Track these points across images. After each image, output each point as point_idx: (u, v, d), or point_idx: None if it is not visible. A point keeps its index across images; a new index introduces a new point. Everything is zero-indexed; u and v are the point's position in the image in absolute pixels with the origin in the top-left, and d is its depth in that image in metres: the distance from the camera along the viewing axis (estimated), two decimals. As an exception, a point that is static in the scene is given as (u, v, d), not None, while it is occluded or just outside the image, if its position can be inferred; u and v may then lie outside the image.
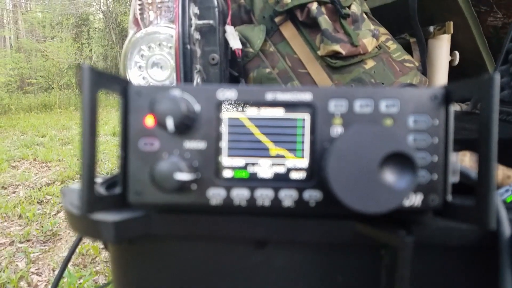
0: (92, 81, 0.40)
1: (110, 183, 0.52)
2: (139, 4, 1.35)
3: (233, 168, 0.45)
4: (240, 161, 0.45)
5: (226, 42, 1.38)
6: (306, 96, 0.44)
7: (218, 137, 0.45)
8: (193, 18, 1.34)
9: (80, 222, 0.48)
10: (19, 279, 2.16)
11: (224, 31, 1.48)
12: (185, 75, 1.17)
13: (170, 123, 0.42)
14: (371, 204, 0.39)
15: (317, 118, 0.44)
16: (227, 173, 0.45)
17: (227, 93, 0.45)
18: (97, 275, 2.21)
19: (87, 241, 2.49)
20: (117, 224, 0.46)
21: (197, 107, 0.45)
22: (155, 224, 0.48)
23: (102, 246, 2.38)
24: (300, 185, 0.45)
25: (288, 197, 0.44)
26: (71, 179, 3.99)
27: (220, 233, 0.48)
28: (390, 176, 0.40)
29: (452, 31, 1.74)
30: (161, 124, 0.43)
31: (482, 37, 1.77)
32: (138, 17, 1.37)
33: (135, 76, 1.27)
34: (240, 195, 0.45)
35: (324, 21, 1.42)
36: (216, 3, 1.35)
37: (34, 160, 4.80)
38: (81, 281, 2.11)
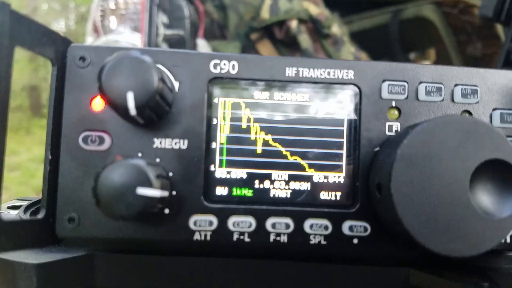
0: (9, 28, 0.23)
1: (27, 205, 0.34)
2: (101, 10, 1.22)
3: (231, 183, 0.29)
4: (240, 173, 0.29)
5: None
6: (345, 74, 0.29)
7: (208, 133, 0.29)
8: (161, 27, 1.21)
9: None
10: None
11: (195, 45, 1.35)
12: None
13: (130, 99, 0.25)
14: (459, 243, 0.24)
15: (362, 107, 0.29)
16: (220, 191, 0.29)
17: (225, 64, 0.29)
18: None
19: None
20: (42, 267, 0.28)
21: (174, 84, 0.28)
22: (100, 270, 0.31)
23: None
24: (336, 212, 0.28)
25: (318, 229, 0.28)
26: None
27: (206, 286, 0.30)
28: (485, 198, 0.25)
29: (434, 59, 1.69)
30: (116, 105, 0.26)
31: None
32: (99, 24, 1.25)
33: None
34: (241, 224, 0.28)
35: (304, 41, 1.37)
36: (187, 13, 1.25)
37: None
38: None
